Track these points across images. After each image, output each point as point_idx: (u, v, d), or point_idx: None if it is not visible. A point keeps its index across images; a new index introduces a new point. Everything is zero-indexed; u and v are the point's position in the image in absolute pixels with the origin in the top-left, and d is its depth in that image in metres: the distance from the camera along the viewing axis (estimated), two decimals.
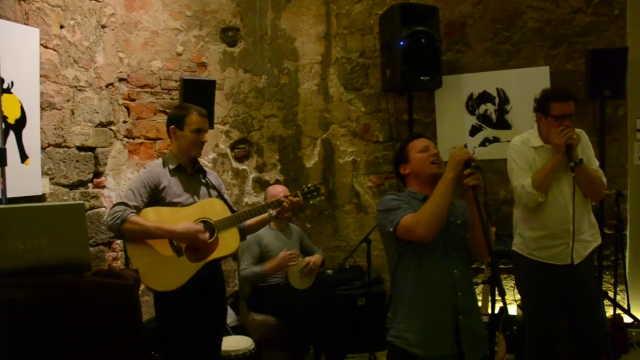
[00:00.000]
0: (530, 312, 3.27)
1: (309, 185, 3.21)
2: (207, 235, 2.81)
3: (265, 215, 3.08)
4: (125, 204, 2.72)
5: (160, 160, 2.96)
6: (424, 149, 2.36)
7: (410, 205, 2.28)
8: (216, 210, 2.92)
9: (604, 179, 3.04)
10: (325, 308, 3.88)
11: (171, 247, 2.79)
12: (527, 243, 3.15)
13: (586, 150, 3.05)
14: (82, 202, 1.97)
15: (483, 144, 4.65)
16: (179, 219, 2.79)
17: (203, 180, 3.01)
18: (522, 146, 3.14)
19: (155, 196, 2.84)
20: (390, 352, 2.35)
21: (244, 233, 3.16)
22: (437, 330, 2.22)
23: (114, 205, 2.75)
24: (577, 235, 2.98)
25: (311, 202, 3.21)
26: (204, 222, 2.86)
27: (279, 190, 4.09)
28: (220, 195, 3.05)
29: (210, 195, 3.01)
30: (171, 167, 2.90)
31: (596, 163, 3.09)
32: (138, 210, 2.75)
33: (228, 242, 2.91)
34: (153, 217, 2.78)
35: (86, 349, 1.90)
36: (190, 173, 2.97)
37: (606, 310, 4.10)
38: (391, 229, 2.23)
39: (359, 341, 4.17)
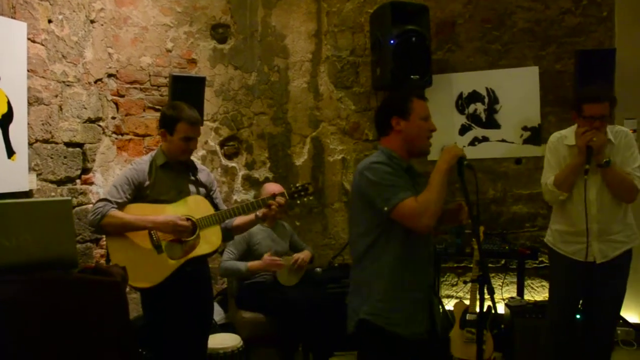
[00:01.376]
0: (552, 302, 3.34)
1: (297, 184, 3.16)
2: (188, 223, 2.80)
3: (252, 217, 3.06)
4: (107, 200, 2.73)
5: (148, 157, 2.94)
6: (426, 117, 2.31)
7: (400, 176, 2.23)
8: (199, 208, 2.90)
9: (638, 182, 3.00)
10: (314, 306, 3.88)
11: (151, 243, 2.77)
12: (554, 235, 3.25)
13: (625, 151, 3.03)
14: (69, 198, 1.96)
15: (472, 143, 4.66)
16: (159, 214, 2.79)
17: (192, 178, 2.98)
18: (557, 143, 3.18)
19: (139, 193, 2.83)
20: (367, 331, 2.24)
21: (232, 233, 3.14)
22: (417, 307, 2.24)
23: (97, 201, 2.77)
24: (605, 235, 3.02)
25: (298, 201, 3.17)
26: (187, 219, 2.84)
27: (274, 189, 4.07)
28: (208, 194, 3.03)
29: (198, 193, 2.98)
30: (158, 163, 2.88)
31: (635, 165, 3.04)
32: (120, 206, 2.75)
33: (210, 240, 2.89)
34: (136, 212, 2.77)
35: (73, 345, 1.89)
36: (178, 170, 2.94)
37: None
38: (386, 209, 2.13)
39: (347, 339, 4.16)
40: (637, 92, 4.27)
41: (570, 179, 3.01)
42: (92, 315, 1.88)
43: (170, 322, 2.84)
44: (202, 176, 3.04)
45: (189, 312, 2.90)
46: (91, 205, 3.86)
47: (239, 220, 3.07)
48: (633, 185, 2.98)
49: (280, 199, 2.98)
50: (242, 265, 3.89)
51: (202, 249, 2.87)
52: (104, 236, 3.92)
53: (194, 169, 3.02)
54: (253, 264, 3.90)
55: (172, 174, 2.91)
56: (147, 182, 2.83)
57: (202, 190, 3.01)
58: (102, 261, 3.94)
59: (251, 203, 3.01)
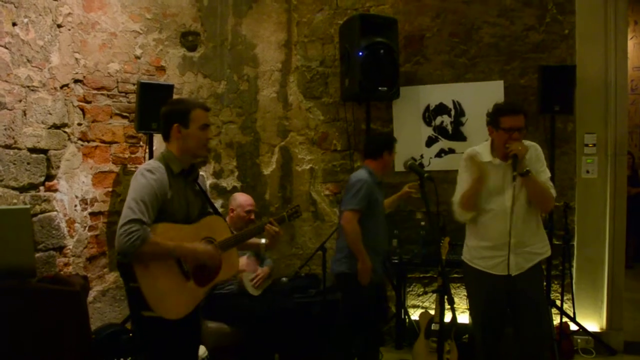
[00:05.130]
0: (475, 319, 3.35)
1: (290, 207, 3.16)
2: (220, 254, 2.61)
3: (256, 243, 2.97)
4: (141, 221, 2.32)
5: (160, 164, 2.52)
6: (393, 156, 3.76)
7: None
8: (218, 228, 2.70)
9: (553, 191, 3.10)
10: (280, 315, 3.87)
11: (180, 270, 2.49)
12: (470, 252, 3.26)
13: (535, 164, 3.10)
14: (27, 206, 1.93)
15: (439, 154, 4.73)
16: (188, 237, 2.52)
17: (197, 188, 2.72)
18: (469, 160, 3.22)
19: (160, 207, 2.47)
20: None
21: None
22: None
23: (128, 222, 2.30)
24: (521, 247, 3.05)
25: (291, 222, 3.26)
26: (209, 241, 2.63)
27: (245, 200, 4.07)
28: (212, 205, 2.82)
29: (203, 206, 2.76)
30: (176, 171, 2.54)
31: (546, 176, 3.13)
32: (150, 226, 2.39)
33: (231, 262, 2.73)
34: (164, 235, 2.44)
35: (31, 354, 1.85)
36: (188, 180, 2.65)
37: (553, 318, 4.24)
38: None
39: (313, 349, 4.17)
40: (595, 107, 4.41)
41: (472, 200, 3.09)
42: (50, 324, 1.85)
43: (173, 349, 2.57)
44: (201, 182, 2.79)
45: (188, 329, 2.66)
46: (55, 213, 3.80)
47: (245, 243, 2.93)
48: (550, 194, 3.07)
49: (275, 228, 2.88)
50: None
51: (225, 274, 2.69)
52: (69, 245, 3.91)
53: (196, 177, 2.72)
54: None
55: (184, 184, 2.60)
56: (169, 195, 2.47)
57: (202, 201, 2.76)
58: (66, 269, 3.88)
59: (260, 226, 2.89)
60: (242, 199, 4.10)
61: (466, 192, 3.13)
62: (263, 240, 2.96)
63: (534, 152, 3.12)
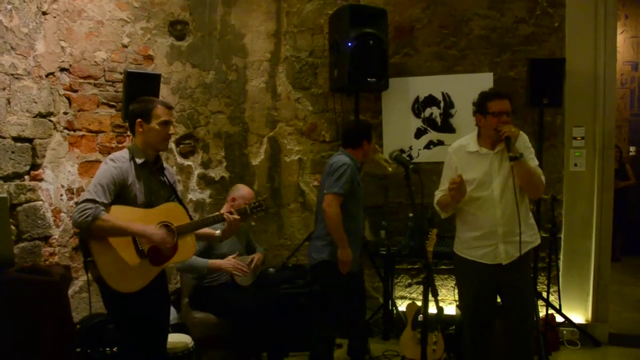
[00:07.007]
0: (464, 310, 3.36)
1: (253, 201, 3.29)
2: (173, 240, 2.82)
3: (213, 233, 3.13)
4: (95, 200, 2.60)
5: (126, 154, 2.83)
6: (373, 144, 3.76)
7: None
8: (176, 215, 2.91)
9: (543, 178, 3.11)
10: (268, 306, 3.88)
11: (135, 249, 2.73)
12: (462, 243, 3.26)
13: (524, 152, 3.09)
14: (4, 195, 1.91)
15: (428, 146, 4.73)
16: (142, 220, 2.75)
17: (162, 179, 2.96)
18: (454, 154, 3.25)
19: (119, 192, 2.74)
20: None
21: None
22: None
23: (83, 201, 2.60)
24: (511, 236, 3.05)
25: (255, 216, 3.34)
26: (165, 225, 2.83)
27: (249, 194, 4.07)
28: (177, 195, 3.03)
29: (167, 196, 2.98)
30: (138, 161, 2.81)
31: (535, 163, 3.14)
32: (106, 207, 2.65)
33: (186, 247, 2.93)
34: (119, 216, 2.68)
35: (8, 345, 1.84)
36: (153, 171, 2.90)
37: (540, 310, 4.26)
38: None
39: (301, 340, 4.18)
40: (584, 100, 4.42)
41: (450, 207, 3.18)
42: (29, 315, 1.84)
43: (136, 320, 2.81)
44: (169, 176, 3.02)
45: (152, 311, 2.89)
46: (41, 202, 3.77)
47: (201, 230, 3.09)
48: (541, 179, 3.09)
49: (235, 216, 3.06)
50: (202, 262, 3.86)
51: (179, 257, 2.90)
52: (55, 235, 3.89)
53: (162, 168, 2.98)
54: (214, 262, 3.88)
55: (148, 175, 2.87)
56: (129, 182, 2.75)
57: (169, 191, 3.00)
58: (52, 259, 3.85)
59: (218, 215, 3.07)
60: (245, 191, 4.12)
61: (441, 199, 3.19)
62: (217, 232, 3.15)
63: (522, 140, 3.14)
